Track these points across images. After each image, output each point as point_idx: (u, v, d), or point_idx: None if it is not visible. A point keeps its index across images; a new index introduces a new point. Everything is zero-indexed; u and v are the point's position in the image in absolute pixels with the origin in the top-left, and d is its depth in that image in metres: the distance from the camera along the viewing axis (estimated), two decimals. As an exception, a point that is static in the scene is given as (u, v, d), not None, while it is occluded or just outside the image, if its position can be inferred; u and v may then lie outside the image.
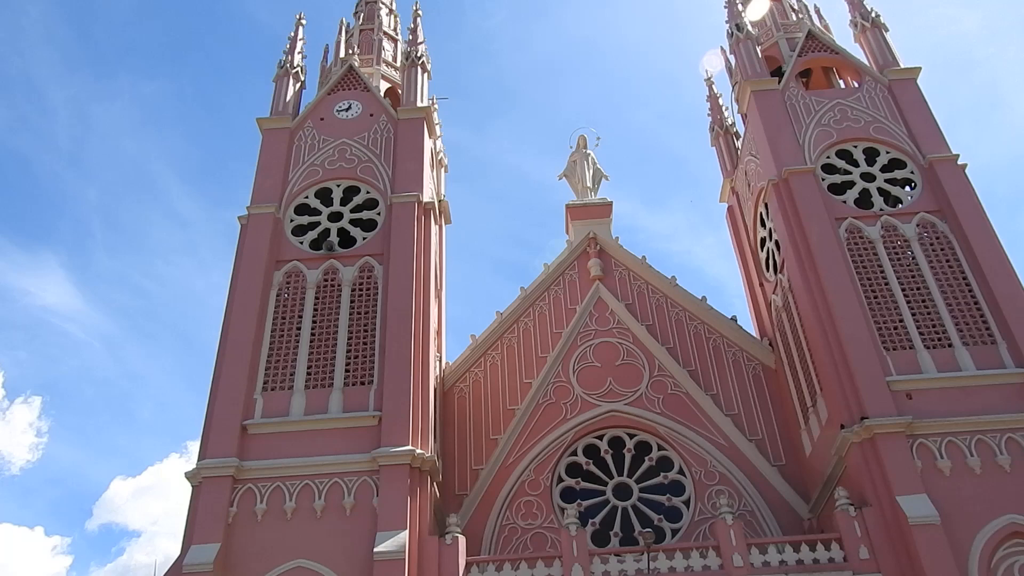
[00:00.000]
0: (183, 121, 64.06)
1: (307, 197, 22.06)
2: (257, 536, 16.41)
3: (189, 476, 17.24)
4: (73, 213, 60.77)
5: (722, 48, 26.76)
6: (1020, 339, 17.77)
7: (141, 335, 60.51)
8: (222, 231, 68.70)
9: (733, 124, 27.40)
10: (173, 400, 60.04)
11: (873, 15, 24.78)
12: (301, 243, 21.21)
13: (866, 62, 23.97)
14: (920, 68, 23.03)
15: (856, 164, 21.43)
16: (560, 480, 20.72)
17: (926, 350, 18.11)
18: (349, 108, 23.94)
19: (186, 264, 61.55)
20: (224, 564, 15.96)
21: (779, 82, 23.19)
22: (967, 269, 19.20)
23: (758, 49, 24.58)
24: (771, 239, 22.48)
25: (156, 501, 60.22)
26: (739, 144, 26.04)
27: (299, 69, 25.58)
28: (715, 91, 28.62)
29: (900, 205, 20.73)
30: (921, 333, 18.42)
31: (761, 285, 23.71)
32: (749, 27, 25.07)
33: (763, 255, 23.46)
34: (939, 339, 18.32)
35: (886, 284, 19.22)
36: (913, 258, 19.67)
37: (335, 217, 21.72)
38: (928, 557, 15.06)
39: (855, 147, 21.69)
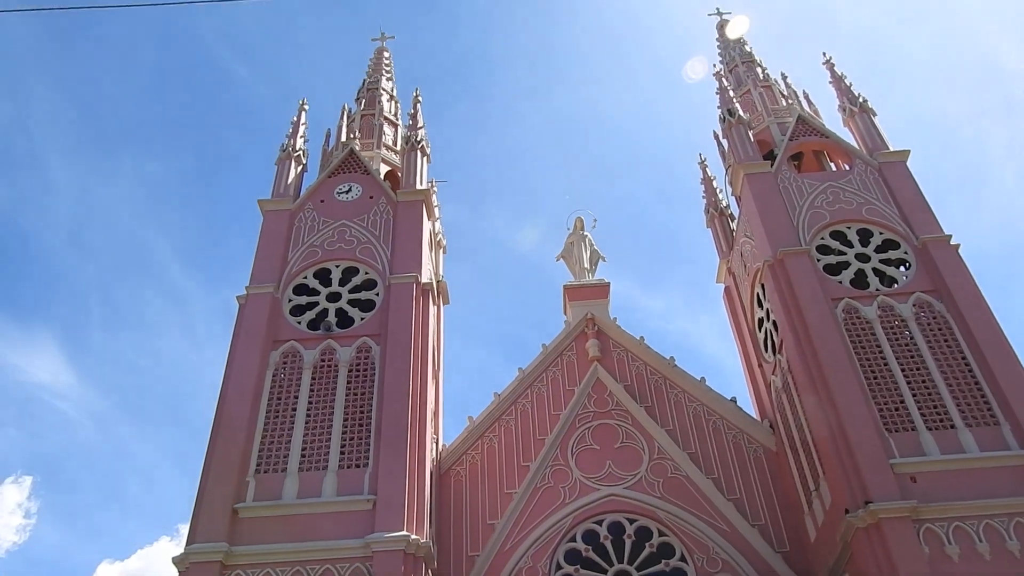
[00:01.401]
0: (184, 201, 65.02)
1: (306, 277, 22.19)
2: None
3: (176, 561, 16.75)
4: (71, 290, 61.05)
5: (715, 132, 27.36)
6: (1023, 420, 17.59)
7: (134, 414, 59.95)
8: (220, 310, 68.94)
9: (728, 206, 27.78)
10: (165, 481, 59.04)
11: (861, 100, 25.45)
12: (299, 323, 21.22)
13: (856, 145, 24.49)
14: (909, 151, 23.52)
15: (850, 245, 21.63)
16: (559, 567, 20.14)
17: (928, 432, 17.88)
18: (349, 190, 24.32)
19: (183, 343, 61.47)
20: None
21: (771, 165, 23.63)
22: (966, 349, 19.15)
23: (750, 133, 25.13)
24: (769, 320, 22.50)
25: (145, 587, 58.39)
26: (734, 225, 26.36)
27: (301, 152, 26.14)
28: (709, 173, 29.14)
29: (896, 285, 20.84)
30: (923, 414, 18.24)
31: (760, 366, 23.60)
32: (741, 112, 25.68)
33: (761, 336, 23.44)
34: (941, 420, 18.12)
35: (885, 365, 19.14)
36: (911, 338, 19.63)
37: (333, 297, 21.78)
38: (940, 648, 14.54)
39: (848, 228, 21.94)
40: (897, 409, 18.34)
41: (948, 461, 17.31)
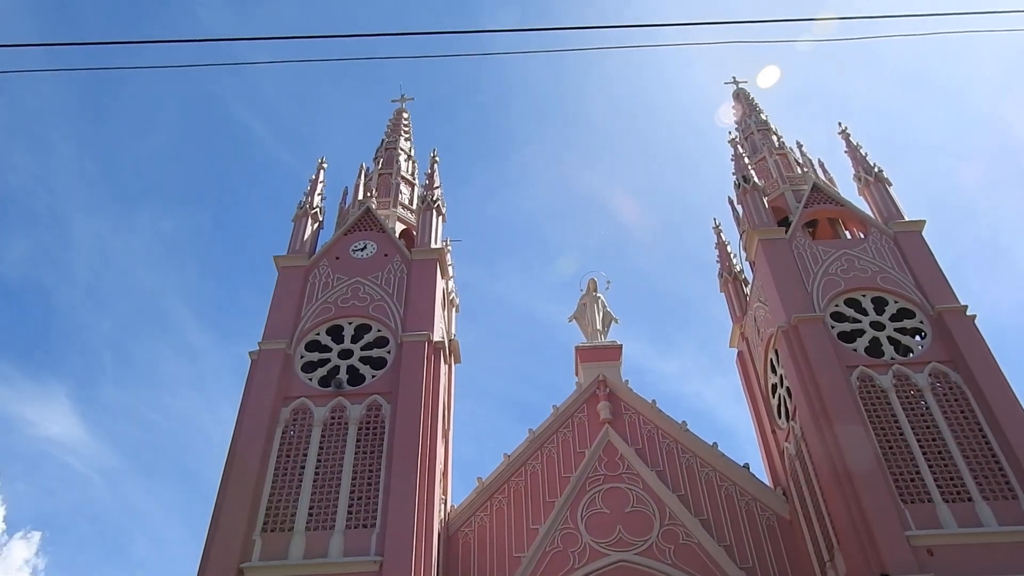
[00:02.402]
0: (200, 256, 65.66)
1: (318, 334, 22.27)
2: None
3: (180, 622, 16.53)
4: (85, 345, 61.31)
5: (729, 198, 27.58)
6: (1042, 495, 17.29)
7: (143, 470, 59.63)
8: (232, 366, 69.08)
9: (741, 271, 27.84)
10: (173, 539, 58.20)
11: (876, 170, 25.64)
12: (310, 380, 21.22)
13: (871, 214, 24.60)
14: (925, 221, 23.58)
15: (865, 313, 21.58)
16: (567, 635, 19.72)
17: (945, 504, 17.59)
18: (364, 248, 24.55)
19: (194, 398, 61.40)
20: None
21: (786, 232, 23.74)
22: (983, 421, 18.92)
23: (765, 200, 25.32)
24: (782, 385, 22.35)
25: (151, 648, 57.35)
26: (747, 291, 26.37)
27: (318, 210, 26.49)
28: (723, 239, 29.28)
29: (911, 355, 20.71)
30: (939, 486, 17.95)
31: (773, 432, 23.36)
32: (755, 179, 25.92)
33: (775, 402, 23.25)
34: (958, 493, 17.82)
35: (901, 435, 18.92)
36: (927, 408, 19.44)
37: (345, 354, 21.81)
38: None
39: (863, 296, 21.92)
40: (913, 480, 18.06)
41: (966, 534, 16.98)
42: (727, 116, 27.35)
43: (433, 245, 24.73)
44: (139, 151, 64.16)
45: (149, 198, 64.86)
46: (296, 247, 24.88)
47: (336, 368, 21.50)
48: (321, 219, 26.55)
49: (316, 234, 25.91)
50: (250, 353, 21.70)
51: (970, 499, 17.64)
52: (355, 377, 21.30)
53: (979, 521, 17.23)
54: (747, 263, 25.67)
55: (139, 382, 61.10)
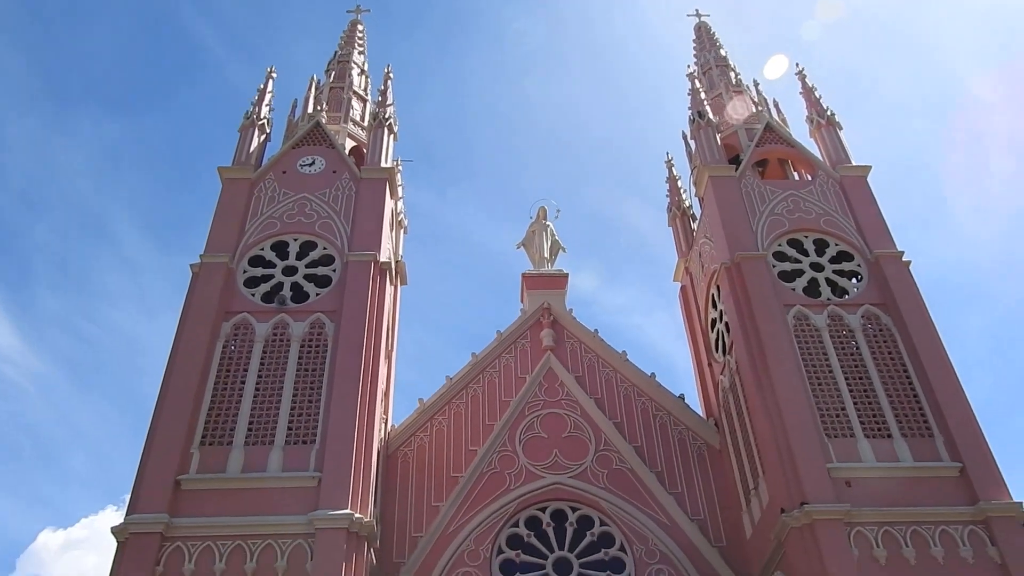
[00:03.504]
0: (143, 164, 63.39)
1: (263, 249, 21.90)
2: (182, 598, 15.76)
3: (115, 532, 16.53)
4: (19, 251, 59.20)
5: (683, 133, 27.58)
6: (956, 433, 18.21)
7: (79, 381, 58.56)
8: (173, 279, 67.11)
9: (690, 206, 28.06)
10: (111, 451, 57.88)
11: (829, 113, 25.84)
12: (253, 295, 20.98)
13: (820, 157, 24.89)
14: (870, 167, 23.96)
15: (806, 254, 22.05)
16: (500, 551, 20.36)
17: (866, 439, 18.42)
18: (313, 163, 24.03)
19: (133, 310, 60.16)
20: (144, 626, 15.27)
21: (736, 170, 23.93)
22: (908, 362, 19.72)
23: (718, 137, 25.40)
24: (721, 321, 22.88)
25: (87, 555, 57.43)
26: (695, 226, 26.67)
27: (265, 121, 25.70)
28: (675, 173, 29.37)
29: (847, 296, 21.32)
30: (862, 422, 18.76)
31: (710, 365, 24.01)
32: (711, 115, 25.92)
33: (713, 336, 23.83)
34: (879, 429, 18.67)
35: (830, 372, 19.62)
36: (857, 348, 20.15)
37: (290, 271, 21.56)
38: (862, 649, 15.07)
39: (806, 237, 22.36)
40: (838, 416, 18.83)
41: (882, 468, 17.89)
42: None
43: (383, 164, 24.31)
44: (79, 49, 61.19)
45: (89, 100, 62.23)
46: (242, 159, 24.21)
47: (280, 284, 21.27)
48: (268, 131, 25.80)
49: (263, 147, 25.21)
50: (191, 266, 21.30)
51: (889, 435, 18.51)
52: (299, 294, 21.12)
53: (896, 456, 18.13)
54: (696, 199, 25.89)
55: (76, 291, 59.63)
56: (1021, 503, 17.11)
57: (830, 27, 64.38)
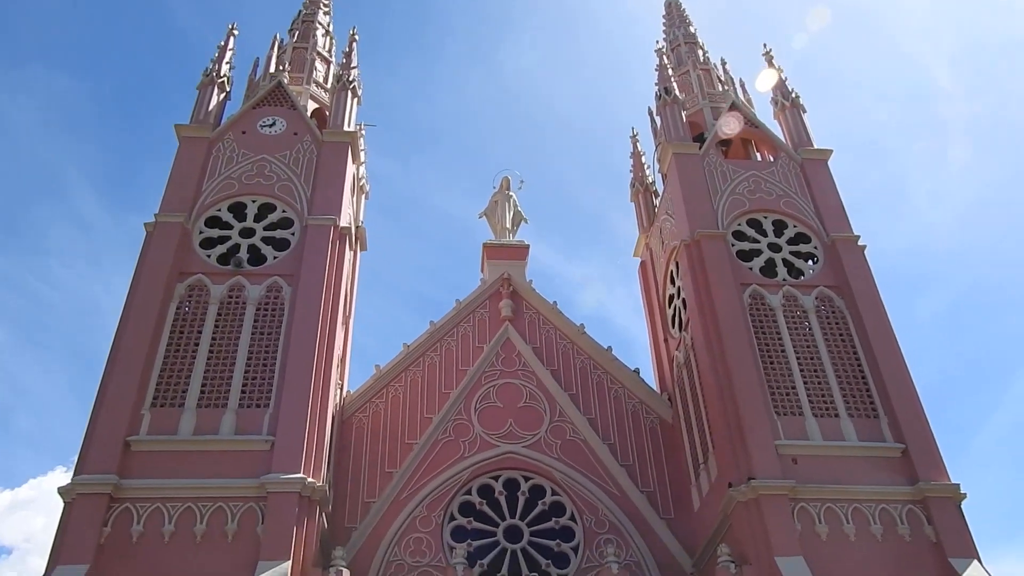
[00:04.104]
0: (98, 122, 61.53)
1: (219, 210, 21.51)
2: (130, 560, 15.58)
3: (62, 492, 16.30)
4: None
5: (649, 109, 27.60)
6: (900, 415, 18.71)
7: (28, 340, 57.14)
8: (127, 239, 65.76)
9: (653, 182, 28.18)
10: (60, 411, 56.77)
11: (793, 95, 26.03)
12: (208, 256, 20.64)
13: (783, 138, 25.11)
14: (832, 151, 24.23)
15: (765, 234, 22.32)
16: (452, 518, 20.54)
17: (814, 418, 18.83)
18: (273, 124, 23.60)
19: (85, 269, 58.74)
20: (90, 588, 15.12)
21: (700, 147, 24.05)
22: (858, 345, 20.15)
23: (683, 114, 25.45)
24: (679, 297, 23.13)
25: (35, 516, 56.62)
26: (657, 202, 26.80)
27: (225, 79, 25.08)
28: (639, 148, 29.44)
29: (802, 277, 21.67)
30: (811, 401, 19.17)
31: (666, 341, 24.29)
32: (677, 91, 25.94)
33: (670, 312, 24.09)
34: (827, 408, 19.10)
35: (782, 351, 19.98)
36: (810, 329, 20.53)
37: (247, 233, 21.23)
38: (799, 619, 15.54)
39: (765, 218, 22.62)
40: (788, 394, 19.22)
41: (828, 447, 18.33)
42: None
43: (346, 128, 23.96)
44: (32, 3, 58.85)
45: (41, 56, 59.97)
46: (200, 117, 23.62)
47: (236, 246, 20.95)
48: (228, 90, 25.19)
49: (222, 105, 24.62)
50: (146, 225, 20.86)
51: (837, 415, 18.95)
52: (256, 257, 20.84)
53: (842, 435, 18.59)
54: (659, 175, 26.00)
55: (26, 250, 57.84)
56: (959, 485, 17.69)
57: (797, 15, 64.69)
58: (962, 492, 17.65)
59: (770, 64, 27.19)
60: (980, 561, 16.74)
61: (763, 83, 26.83)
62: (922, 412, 18.92)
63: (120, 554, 15.64)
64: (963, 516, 17.42)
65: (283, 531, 15.99)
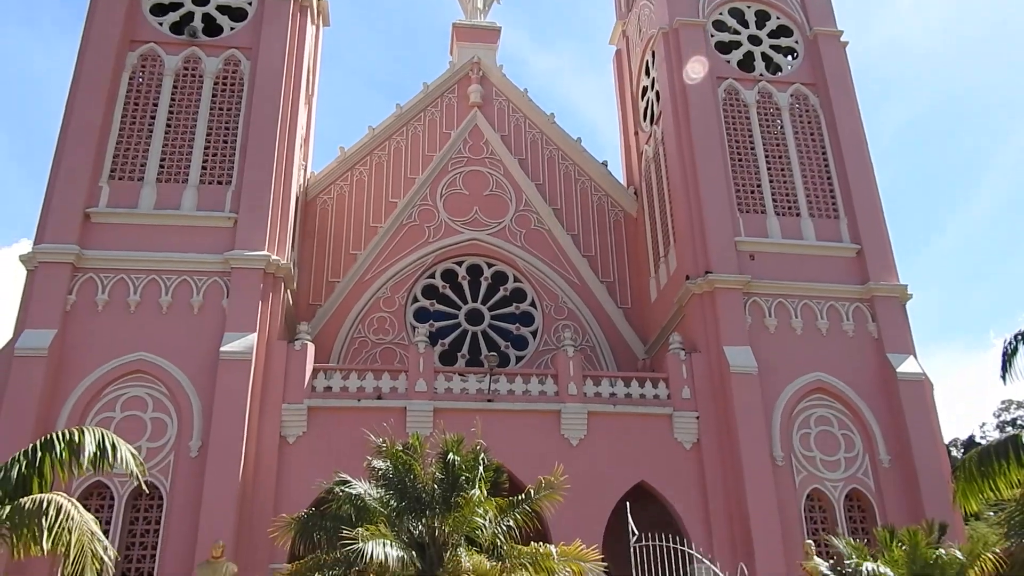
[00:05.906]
0: None
1: (170, -29, 19.96)
2: (97, 327, 15.93)
3: (24, 259, 16.27)
4: None
5: None
6: (860, 217, 19.05)
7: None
8: (70, 3, 61.51)
9: (635, -36, 26.53)
10: (9, 183, 55.43)
11: None
12: (160, 24, 19.39)
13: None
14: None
15: (746, 25, 21.47)
16: (415, 300, 21.08)
17: (776, 216, 19.13)
18: None
19: (24, 35, 55.28)
20: (60, 352, 15.50)
21: (686, -74, 22.44)
22: (827, 144, 20.09)
23: None
24: (652, 89, 22.55)
25: (-2, 288, 56.75)
26: (638, -15, 25.39)
27: None
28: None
29: (779, 73, 21.12)
30: (775, 200, 19.38)
31: (636, 134, 23.97)
32: None
33: (643, 105, 23.57)
34: (789, 208, 19.36)
35: (752, 149, 19.88)
36: (782, 128, 20.33)
37: (201, 1, 19.86)
38: (740, 402, 16.63)
39: (748, 8, 21.66)
40: (752, 192, 19.36)
41: (786, 244, 18.79)
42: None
43: None
44: None
45: None
46: None
47: (190, 14, 19.64)
48: None
49: None
50: (90, -17, 19.33)
51: (798, 214, 19.25)
52: (212, 27, 19.62)
53: (801, 234, 18.99)
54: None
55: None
56: (907, 286, 18.40)
57: None
58: (909, 293, 18.39)
59: None
60: (916, 357, 17.77)
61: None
62: (881, 215, 19.27)
63: (87, 321, 15.92)
64: (906, 316, 18.29)
65: (248, 305, 16.31)
